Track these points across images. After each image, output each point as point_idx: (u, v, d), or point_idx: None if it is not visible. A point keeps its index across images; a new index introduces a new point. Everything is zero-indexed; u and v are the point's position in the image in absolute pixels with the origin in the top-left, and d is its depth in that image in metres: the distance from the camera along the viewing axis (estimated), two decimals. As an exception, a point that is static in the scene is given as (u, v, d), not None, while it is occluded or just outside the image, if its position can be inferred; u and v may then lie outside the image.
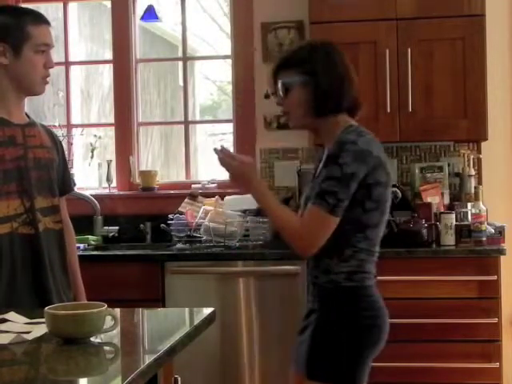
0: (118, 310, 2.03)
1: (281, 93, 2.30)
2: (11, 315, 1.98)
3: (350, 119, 2.30)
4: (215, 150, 2.29)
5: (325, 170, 2.18)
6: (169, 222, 3.89)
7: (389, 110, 3.79)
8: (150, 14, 4.61)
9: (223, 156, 2.28)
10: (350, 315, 2.21)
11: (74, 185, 2.74)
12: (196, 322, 1.98)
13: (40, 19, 2.43)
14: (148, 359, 1.61)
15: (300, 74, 2.26)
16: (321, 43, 2.35)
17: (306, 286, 2.40)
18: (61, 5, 4.77)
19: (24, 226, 2.38)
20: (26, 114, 2.52)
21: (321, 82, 2.24)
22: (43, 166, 2.46)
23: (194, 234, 3.79)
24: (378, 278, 3.56)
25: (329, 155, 2.20)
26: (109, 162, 4.44)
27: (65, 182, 2.61)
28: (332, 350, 2.20)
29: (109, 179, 4.44)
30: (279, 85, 2.29)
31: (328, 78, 2.24)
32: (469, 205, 3.78)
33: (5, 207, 2.34)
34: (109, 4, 4.63)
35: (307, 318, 2.32)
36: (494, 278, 3.49)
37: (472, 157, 4.04)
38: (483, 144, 4.07)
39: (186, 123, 4.67)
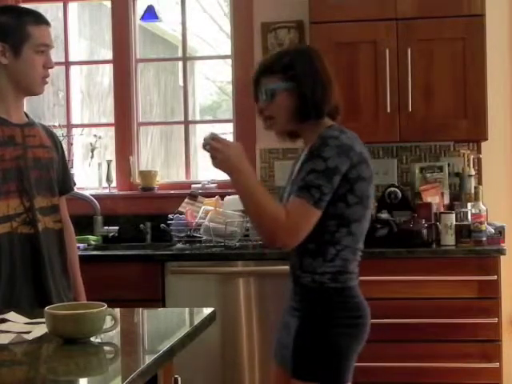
0: (117, 310, 2.03)
1: (265, 98, 2.32)
2: (11, 315, 1.98)
3: (330, 122, 2.35)
4: (205, 138, 2.24)
5: (308, 163, 2.20)
6: (169, 222, 3.89)
7: (389, 110, 3.79)
8: (150, 14, 4.62)
9: (208, 140, 2.21)
10: (335, 316, 2.23)
11: (74, 184, 2.74)
12: (196, 321, 1.98)
13: (40, 19, 2.44)
14: (148, 359, 1.61)
15: (284, 79, 2.30)
16: (303, 49, 2.42)
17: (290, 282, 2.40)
18: (61, 5, 4.77)
19: (24, 226, 2.38)
20: (26, 114, 2.52)
21: (304, 89, 2.28)
22: (43, 165, 2.46)
23: (194, 234, 3.79)
24: (379, 278, 3.57)
25: (312, 149, 2.22)
26: (109, 162, 4.44)
27: (65, 182, 2.61)
28: (318, 350, 2.21)
29: (109, 179, 4.44)
30: (263, 90, 2.32)
31: (311, 85, 2.29)
32: (469, 205, 3.78)
33: (4, 207, 2.34)
34: (109, 4, 4.63)
35: (288, 315, 2.35)
36: (494, 277, 3.49)
37: (472, 157, 4.04)
38: (483, 144, 4.07)
39: (186, 123, 4.68)
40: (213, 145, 2.20)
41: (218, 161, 2.20)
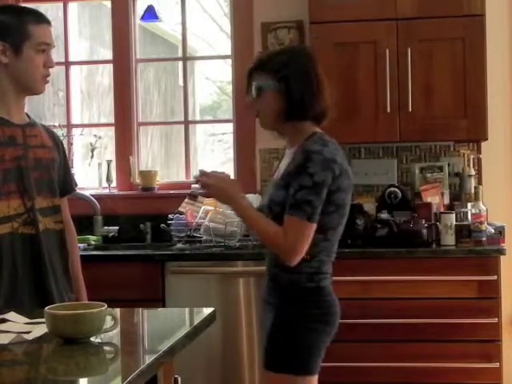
0: (118, 310, 2.03)
1: (254, 94, 2.38)
2: (11, 315, 1.98)
3: (314, 126, 2.39)
4: (194, 176, 2.41)
5: (295, 180, 2.28)
6: (169, 222, 3.89)
7: (389, 110, 3.79)
8: (150, 14, 4.61)
9: (200, 178, 2.36)
10: (309, 313, 2.34)
11: (76, 185, 2.74)
12: (196, 322, 1.98)
13: (41, 19, 2.44)
14: (148, 359, 1.61)
15: (274, 79, 2.34)
16: (299, 50, 2.47)
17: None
18: (61, 5, 4.77)
19: (25, 226, 2.37)
20: (27, 115, 2.52)
21: (294, 92, 2.32)
22: (44, 166, 2.46)
23: (194, 234, 3.79)
24: (379, 278, 3.58)
25: (297, 165, 2.29)
26: (109, 162, 4.44)
27: (66, 183, 2.61)
28: (290, 343, 2.32)
29: (109, 179, 4.44)
30: (253, 86, 2.38)
31: (301, 89, 2.33)
32: (469, 205, 3.78)
33: (5, 207, 2.34)
34: (109, 4, 4.63)
35: (263, 311, 2.46)
36: (494, 277, 3.49)
37: (472, 157, 4.04)
38: (483, 144, 4.07)
39: (186, 123, 4.67)
40: (203, 181, 2.35)
41: (213, 195, 2.43)
